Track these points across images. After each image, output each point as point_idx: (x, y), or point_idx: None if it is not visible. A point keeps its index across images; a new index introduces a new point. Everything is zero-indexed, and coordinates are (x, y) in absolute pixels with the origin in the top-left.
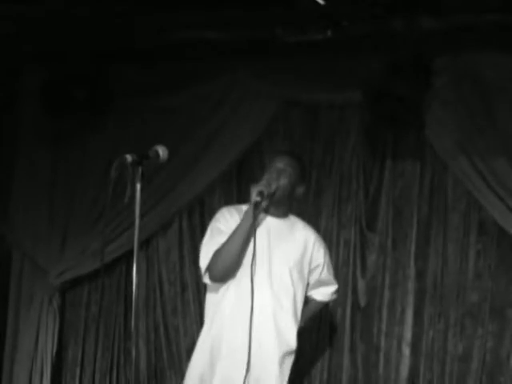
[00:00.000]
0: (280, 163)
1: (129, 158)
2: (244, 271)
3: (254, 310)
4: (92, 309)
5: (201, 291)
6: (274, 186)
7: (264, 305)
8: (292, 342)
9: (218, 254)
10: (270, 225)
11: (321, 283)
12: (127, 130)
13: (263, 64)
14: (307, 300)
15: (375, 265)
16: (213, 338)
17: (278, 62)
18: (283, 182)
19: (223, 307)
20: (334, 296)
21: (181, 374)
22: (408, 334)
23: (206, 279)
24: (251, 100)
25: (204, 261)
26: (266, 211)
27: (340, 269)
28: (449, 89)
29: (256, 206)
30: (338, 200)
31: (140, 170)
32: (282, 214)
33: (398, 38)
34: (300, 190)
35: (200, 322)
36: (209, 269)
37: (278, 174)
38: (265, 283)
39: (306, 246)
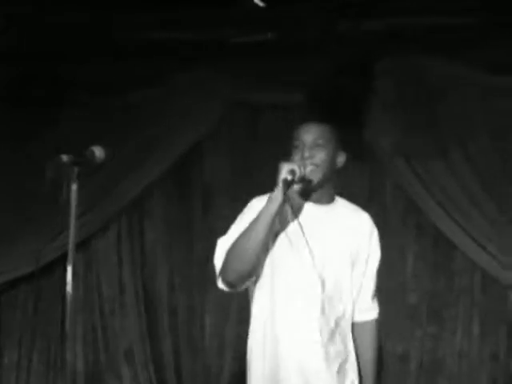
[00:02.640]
0: (309, 135)
1: (64, 158)
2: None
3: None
4: (28, 311)
5: (139, 292)
6: (309, 169)
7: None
8: None
9: (232, 249)
10: (310, 214)
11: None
12: (77, 128)
13: (209, 65)
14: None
15: None
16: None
17: (223, 62)
18: (319, 159)
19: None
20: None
21: (118, 376)
22: None
23: (220, 284)
24: (195, 101)
25: (218, 261)
26: (305, 197)
27: None
28: (390, 91)
29: (286, 185)
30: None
31: (76, 170)
32: (327, 198)
33: (342, 40)
34: (341, 159)
35: (139, 323)
36: (222, 270)
37: (311, 151)
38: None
39: (360, 237)
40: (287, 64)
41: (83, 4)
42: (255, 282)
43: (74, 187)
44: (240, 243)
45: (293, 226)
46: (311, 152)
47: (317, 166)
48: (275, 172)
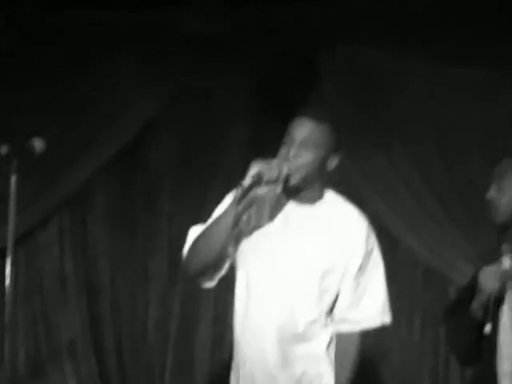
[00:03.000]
0: (300, 133)
1: (3, 149)
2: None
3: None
4: None
5: (81, 285)
6: (284, 171)
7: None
8: None
9: (193, 244)
10: (289, 214)
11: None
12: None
13: (153, 48)
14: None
15: None
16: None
17: (168, 46)
18: (303, 161)
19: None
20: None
21: (60, 369)
22: None
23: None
24: (138, 87)
25: (185, 251)
26: (289, 195)
27: None
28: (334, 79)
29: (245, 191)
30: (226, 192)
31: (15, 162)
32: (312, 198)
33: (288, 27)
34: (332, 163)
35: (81, 316)
36: (184, 262)
37: (297, 151)
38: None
39: (348, 239)
40: (234, 48)
41: None
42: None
43: (14, 179)
44: (199, 240)
45: (266, 226)
46: (298, 151)
47: (298, 167)
48: (219, 156)
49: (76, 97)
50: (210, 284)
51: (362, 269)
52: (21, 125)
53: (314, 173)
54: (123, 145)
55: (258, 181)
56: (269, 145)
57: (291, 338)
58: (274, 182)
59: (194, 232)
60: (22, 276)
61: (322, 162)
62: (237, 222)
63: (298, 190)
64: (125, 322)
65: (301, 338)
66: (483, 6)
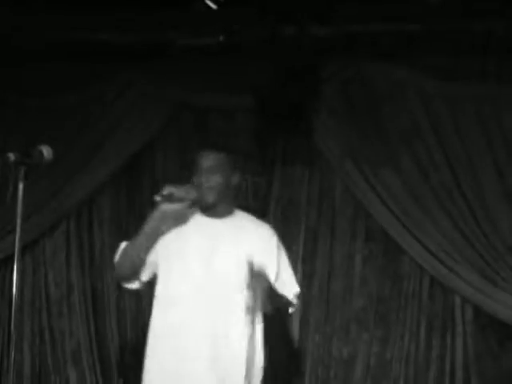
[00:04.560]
0: (207, 161)
1: (11, 156)
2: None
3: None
4: None
5: (87, 294)
6: (193, 194)
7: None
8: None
9: (121, 252)
10: (206, 226)
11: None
12: (16, 128)
13: (156, 66)
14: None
15: None
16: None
17: (171, 64)
18: (214, 182)
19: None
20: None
21: (65, 377)
22: (294, 338)
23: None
24: (144, 102)
25: (115, 259)
26: (205, 212)
27: None
28: (337, 96)
29: (159, 203)
30: None
31: (23, 169)
32: (224, 212)
33: (289, 45)
34: (235, 179)
35: (87, 324)
36: (115, 266)
37: (207, 176)
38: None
39: (256, 245)
40: (234, 67)
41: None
42: None
43: (21, 186)
44: (126, 250)
45: (185, 237)
46: (206, 177)
47: (211, 188)
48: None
49: (83, 110)
50: (134, 286)
51: (277, 261)
52: (29, 133)
53: (225, 188)
54: (130, 155)
55: (167, 199)
56: (273, 160)
57: (215, 339)
58: (182, 201)
59: (123, 245)
60: (29, 284)
61: (227, 181)
62: (153, 233)
63: (213, 207)
64: (130, 331)
65: (224, 337)
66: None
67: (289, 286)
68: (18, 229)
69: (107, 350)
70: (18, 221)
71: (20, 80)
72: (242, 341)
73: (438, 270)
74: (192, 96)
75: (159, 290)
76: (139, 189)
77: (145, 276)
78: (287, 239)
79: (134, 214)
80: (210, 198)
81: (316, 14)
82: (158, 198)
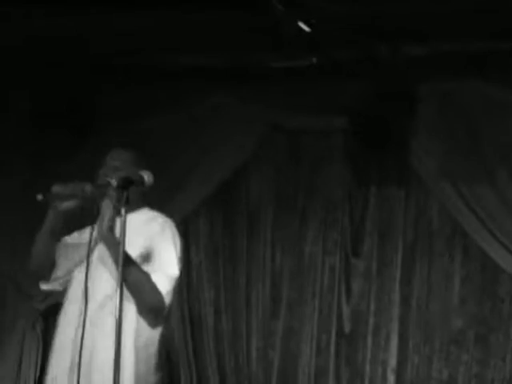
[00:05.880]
0: (112, 160)
1: (113, 182)
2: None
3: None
4: None
5: (185, 316)
6: (88, 190)
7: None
8: None
9: (32, 250)
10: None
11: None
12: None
13: (248, 89)
14: None
15: (360, 291)
16: None
17: (263, 86)
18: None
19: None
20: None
21: None
22: (393, 361)
23: None
24: (236, 124)
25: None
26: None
27: (325, 295)
28: (433, 115)
29: (48, 201)
30: (323, 226)
31: (125, 194)
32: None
33: (384, 65)
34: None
35: (185, 347)
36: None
37: (111, 173)
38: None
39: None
40: (327, 88)
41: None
42: None
43: (123, 212)
44: (33, 248)
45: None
46: (112, 174)
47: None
48: (317, 196)
49: (175, 133)
50: (46, 286)
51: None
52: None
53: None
54: (223, 178)
55: (56, 197)
56: (368, 180)
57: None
58: (73, 198)
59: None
60: None
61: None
62: (52, 230)
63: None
64: (228, 353)
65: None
66: None
67: (162, 274)
68: (121, 252)
69: (206, 373)
70: (122, 245)
71: (113, 104)
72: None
73: None
74: (285, 118)
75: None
76: (234, 211)
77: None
78: (384, 260)
79: (229, 237)
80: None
81: (411, 32)
82: (39, 197)
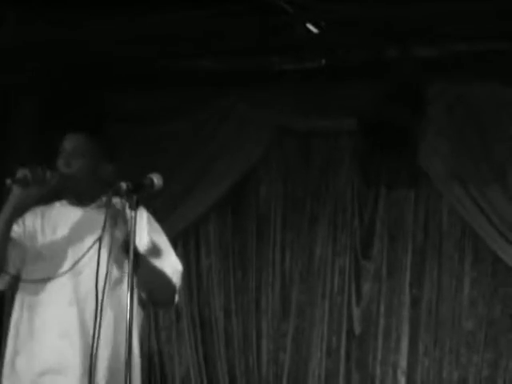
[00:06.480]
0: (70, 144)
1: (123, 185)
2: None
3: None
4: None
5: (195, 319)
6: (48, 175)
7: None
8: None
9: None
10: (73, 217)
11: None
12: (120, 156)
13: (258, 91)
14: None
15: (370, 293)
16: None
17: (273, 89)
18: (72, 169)
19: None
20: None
21: None
22: (403, 362)
23: None
24: (245, 128)
25: None
26: (70, 203)
27: (335, 297)
28: (443, 117)
29: (15, 185)
30: (333, 228)
31: (135, 198)
32: (86, 200)
33: (392, 67)
34: (107, 168)
35: (195, 350)
36: None
37: (67, 160)
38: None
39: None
40: (337, 91)
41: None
42: None
43: (134, 215)
44: None
45: (49, 229)
46: (67, 161)
47: (69, 175)
48: (326, 198)
49: (186, 136)
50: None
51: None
52: (134, 161)
53: (87, 175)
54: (234, 180)
55: (21, 182)
56: (377, 182)
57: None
58: (39, 183)
59: None
60: None
61: (92, 167)
62: (7, 224)
63: (77, 195)
64: (238, 356)
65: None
66: None
67: (167, 257)
68: (131, 256)
69: (217, 376)
70: (132, 247)
71: (123, 110)
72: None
73: None
74: (295, 121)
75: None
76: (244, 214)
77: (6, 275)
78: (394, 262)
79: (239, 240)
80: (69, 184)
81: (419, 34)
82: (8, 182)
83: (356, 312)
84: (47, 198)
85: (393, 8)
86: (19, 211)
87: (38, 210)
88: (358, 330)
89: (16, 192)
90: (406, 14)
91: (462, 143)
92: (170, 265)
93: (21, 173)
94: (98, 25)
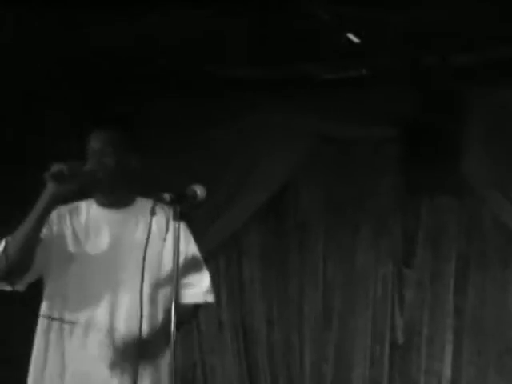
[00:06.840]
0: (96, 143)
1: (167, 197)
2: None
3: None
4: None
5: (238, 330)
6: (86, 172)
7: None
8: None
9: (6, 245)
10: (106, 220)
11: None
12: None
13: (298, 100)
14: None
15: (413, 301)
16: None
17: (312, 98)
18: (103, 166)
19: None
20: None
21: None
22: (448, 371)
23: None
24: (285, 137)
25: None
26: (101, 204)
27: (378, 306)
28: (485, 123)
29: (53, 180)
30: (376, 236)
31: (178, 208)
32: (122, 202)
33: (433, 74)
34: (136, 163)
35: (238, 360)
36: None
37: (98, 157)
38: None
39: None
40: (377, 99)
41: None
42: None
43: (177, 225)
44: (10, 241)
45: (81, 232)
46: (98, 159)
47: (105, 170)
48: (368, 206)
49: (225, 146)
50: (20, 287)
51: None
52: (177, 170)
53: (120, 172)
54: (273, 189)
55: (57, 177)
56: (420, 190)
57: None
58: (75, 180)
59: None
60: None
61: (123, 164)
62: (40, 221)
63: (109, 196)
64: (281, 367)
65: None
66: None
67: (204, 271)
68: (176, 266)
69: None
70: (176, 258)
71: (161, 118)
72: None
73: None
74: (335, 129)
75: (49, 294)
76: (286, 223)
77: (29, 277)
78: (437, 270)
79: (281, 249)
80: (105, 177)
81: (459, 40)
82: (47, 176)
83: (399, 321)
84: (69, 197)
85: (431, 15)
86: (52, 208)
87: (64, 211)
88: (401, 339)
89: (50, 189)
90: (445, 20)
91: (504, 150)
92: (207, 282)
93: (56, 167)
94: (131, 30)
